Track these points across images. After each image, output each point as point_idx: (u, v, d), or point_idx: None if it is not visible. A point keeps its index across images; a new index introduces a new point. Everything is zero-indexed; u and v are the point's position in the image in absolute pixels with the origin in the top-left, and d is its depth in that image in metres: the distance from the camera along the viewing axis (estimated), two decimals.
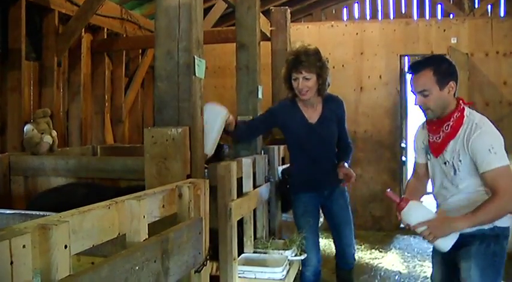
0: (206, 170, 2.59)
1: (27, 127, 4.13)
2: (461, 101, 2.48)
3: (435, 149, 2.54)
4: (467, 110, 2.46)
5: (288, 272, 2.99)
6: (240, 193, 3.00)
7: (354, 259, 3.60)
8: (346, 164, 3.39)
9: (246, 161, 3.10)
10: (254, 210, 3.37)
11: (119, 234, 1.60)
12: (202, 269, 2.09)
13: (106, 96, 6.23)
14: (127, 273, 1.44)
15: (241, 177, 3.06)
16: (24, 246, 1.13)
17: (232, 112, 4.21)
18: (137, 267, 1.49)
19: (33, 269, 1.19)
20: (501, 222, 2.41)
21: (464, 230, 2.34)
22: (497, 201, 2.28)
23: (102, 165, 3.75)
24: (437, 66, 2.44)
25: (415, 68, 2.49)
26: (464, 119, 2.43)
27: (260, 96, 3.97)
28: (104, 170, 3.69)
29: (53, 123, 4.33)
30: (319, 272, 3.47)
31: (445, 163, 2.51)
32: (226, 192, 2.59)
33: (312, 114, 3.39)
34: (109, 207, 1.55)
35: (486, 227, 2.40)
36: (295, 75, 3.19)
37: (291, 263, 3.14)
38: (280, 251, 3.22)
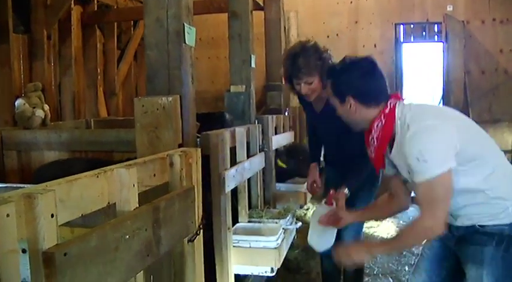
0: (198, 139, 2.56)
1: (19, 101, 4.07)
2: (389, 103, 2.01)
3: (374, 165, 2.15)
4: (398, 110, 1.98)
5: (282, 240, 2.99)
6: (234, 163, 2.98)
7: None
8: (346, 190, 2.72)
9: (239, 130, 3.07)
10: (248, 180, 3.36)
11: (109, 203, 1.58)
12: (195, 238, 2.07)
13: (98, 69, 6.18)
14: (117, 242, 1.41)
15: (235, 147, 3.04)
16: (8, 215, 1.11)
17: (226, 82, 4.17)
18: (127, 236, 1.47)
19: (20, 238, 1.17)
20: None
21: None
22: (416, 227, 1.97)
23: (95, 137, 3.72)
24: (335, 79, 2.11)
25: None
26: (395, 123, 1.97)
27: (253, 65, 3.92)
28: (97, 143, 3.67)
29: (44, 97, 4.28)
30: None
31: (405, 182, 2.09)
32: (220, 161, 2.57)
33: (318, 105, 3.10)
34: (97, 176, 1.52)
35: (507, 221, 1.91)
36: (297, 81, 2.90)
37: (286, 231, 3.14)
38: (275, 220, 3.22)
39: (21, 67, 4.95)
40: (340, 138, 2.93)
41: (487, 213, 1.93)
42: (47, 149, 3.75)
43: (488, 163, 1.93)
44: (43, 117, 4.10)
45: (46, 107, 4.18)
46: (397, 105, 2.00)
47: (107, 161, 3.35)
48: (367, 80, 2.05)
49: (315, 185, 3.18)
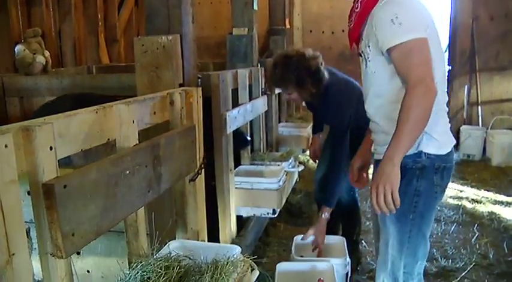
0: (200, 80, 2.53)
1: (19, 47, 4.02)
2: None
3: (349, 39, 1.96)
4: None
5: (284, 182, 3.00)
6: (237, 105, 2.96)
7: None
8: (324, 214, 2.76)
9: (242, 72, 3.03)
10: (251, 124, 3.34)
11: (109, 139, 1.57)
12: (196, 177, 2.08)
13: (99, 15, 6.06)
14: (117, 177, 1.42)
15: (237, 89, 3.01)
16: (6, 146, 1.10)
17: (229, 28, 4.09)
18: (128, 172, 1.47)
19: (20, 171, 1.17)
20: (431, 148, 1.82)
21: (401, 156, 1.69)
22: (411, 97, 1.65)
23: (96, 83, 3.69)
24: None
25: None
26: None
27: (256, 7, 3.83)
28: (98, 88, 3.63)
29: (44, 44, 4.22)
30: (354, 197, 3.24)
31: (359, 55, 1.92)
32: (221, 101, 2.55)
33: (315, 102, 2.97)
34: (96, 112, 1.51)
35: (410, 152, 1.76)
36: (274, 88, 2.86)
37: (288, 174, 3.15)
38: (277, 163, 3.23)
39: (19, 13, 4.86)
40: None
41: None
42: (48, 94, 3.72)
43: None
44: (44, 63, 4.05)
45: (47, 53, 4.13)
46: None
47: (98, 95, 3.32)
48: None
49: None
